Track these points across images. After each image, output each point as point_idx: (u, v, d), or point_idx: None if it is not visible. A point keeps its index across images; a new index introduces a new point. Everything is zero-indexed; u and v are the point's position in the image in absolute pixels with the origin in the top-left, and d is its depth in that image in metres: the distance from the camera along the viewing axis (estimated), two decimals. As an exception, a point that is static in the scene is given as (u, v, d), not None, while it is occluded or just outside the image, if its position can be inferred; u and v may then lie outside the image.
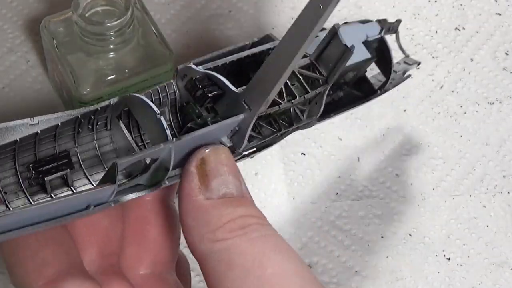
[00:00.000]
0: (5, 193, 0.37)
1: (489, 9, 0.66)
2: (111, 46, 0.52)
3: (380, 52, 0.49)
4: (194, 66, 0.40)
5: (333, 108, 0.47)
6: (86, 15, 0.51)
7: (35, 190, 0.37)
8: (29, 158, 0.37)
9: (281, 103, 0.40)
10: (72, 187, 0.38)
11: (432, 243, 0.56)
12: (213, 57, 0.41)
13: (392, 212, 0.57)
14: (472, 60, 0.64)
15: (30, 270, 0.35)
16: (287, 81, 0.40)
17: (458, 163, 0.59)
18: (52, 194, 0.37)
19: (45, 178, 0.37)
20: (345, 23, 0.49)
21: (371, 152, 0.59)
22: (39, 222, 0.33)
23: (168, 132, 0.36)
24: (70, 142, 0.38)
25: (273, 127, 0.42)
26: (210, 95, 0.39)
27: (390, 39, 0.51)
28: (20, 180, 0.37)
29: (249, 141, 0.40)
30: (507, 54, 0.64)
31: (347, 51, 0.41)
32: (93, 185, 0.39)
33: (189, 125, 0.40)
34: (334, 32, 0.41)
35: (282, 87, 0.40)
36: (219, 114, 0.39)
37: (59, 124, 0.37)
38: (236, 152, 0.39)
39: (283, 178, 0.58)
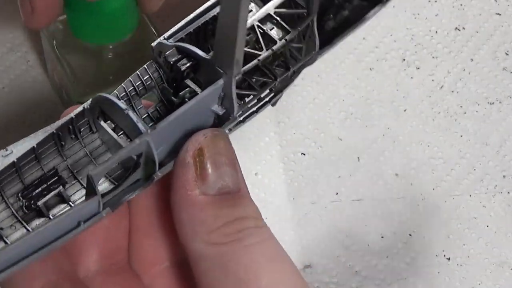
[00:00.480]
0: (1, 228, 0.35)
1: (489, 9, 0.66)
2: (111, 47, 0.52)
3: None
4: (164, 41, 0.37)
5: (340, 32, 0.44)
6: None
7: (32, 217, 0.36)
8: (16, 188, 0.36)
9: (259, 55, 0.37)
10: (70, 202, 0.36)
11: (432, 243, 0.56)
12: (184, 25, 0.38)
13: (392, 212, 0.57)
14: (472, 60, 0.64)
15: (19, 284, 0.35)
16: (263, 27, 0.38)
17: (458, 163, 0.59)
18: (51, 215, 0.36)
19: (38, 203, 0.35)
20: None
21: (371, 152, 0.59)
22: (34, 252, 0.33)
23: (140, 125, 0.34)
24: (56, 158, 0.37)
25: (268, 76, 0.39)
26: (183, 68, 0.37)
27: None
28: (14, 212, 0.35)
29: (243, 100, 0.38)
30: (507, 54, 0.64)
31: None
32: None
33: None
34: None
35: (258, 36, 0.38)
36: (202, 83, 0.37)
37: (35, 146, 0.36)
38: (231, 117, 0.37)
39: (283, 178, 0.58)
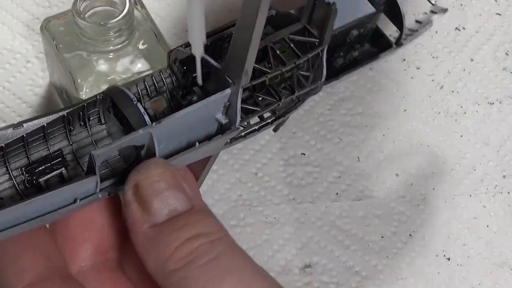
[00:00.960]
0: (1, 198, 0.36)
1: (489, 9, 0.66)
2: (111, 47, 0.52)
3: (389, 5, 0.48)
4: (181, 48, 0.39)
5: (348, 69, 0.46)
6: (86, 15, 0.51)
7: (31, 192, 0.37)
8: (21, 162, 0.37)
9: (268, 72, 0.39)
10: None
11: (432, 243, 0.56)
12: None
13: (392, 212, 0.57)
14: (472, 60, 0.64)
15: (9, 276, 0.35)
16: (276, 49, 0.40)
17: (458, 163, 0.59)
18: None
19: (39, 180, 0.36)
20: None
21: (371, 152, 0.59)
22: (29, 219, 0.33)
23: (146, 117, 0.36)
24: (63, 141, 0.38)
25: (274, 97, 0.40)
26: (194, 74, 0.38)
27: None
28: (15, 184, 0.37)
29: (246, 114, 0.39)
30: (507, 54, 0.64)
31: (330, 9, 0.40)
32: None
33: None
34: None
35: (270, 56, 0.39)
36: (210, 92, 0.38)
37: (45, 125, 0.37)
38: (233, 127, 0.38)
39: (283, 178, 0.58)
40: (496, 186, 0.59)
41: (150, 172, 0.35)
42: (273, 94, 0.40)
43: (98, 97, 0.38)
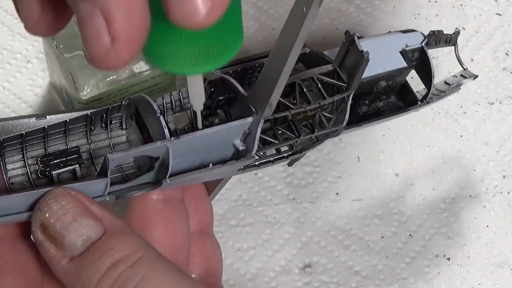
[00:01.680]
0: (12, 183, 0.37)
1: (489, 9, 0.66)
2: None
3: (421, 63, 0.49)
4: (213, 71, 0.40)
5: (370, 118, 0.47)
6: (86, 15, 0.51)
7: (42, 183, 0.37)
8: (38, 152, 0.38)
9: (292, 108, 0.40)
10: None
11: (432, 243, 0.56)
12: (236, 64, 0.41)
13: (392, 212, 0.57)
14: (472, 60, 0.64)
15: None
16: (303, 87, 0.41)
17: (458, 163, 0.59)
18: None
19: (53, 172, 0.37)
20: (389, 32, 0.48)
21: (371, 152, 0.59)
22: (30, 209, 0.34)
23: (166, 131, 0.37)
24: (82, 139, 0.39)
25: (293, 133, 0.42)
26: (220, 98, 0.39)
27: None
28: (28, 172, 0.37)
29: (264, 144, 0.40)
30: (507, 54, 0.64)
31: (362, 57, 0.41)
32: None
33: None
34: (351, 39, 0.41)
35: (296, 93, 0.41)
36: (233, 117, 0.39)
37: (67, 120, 0.38)
38: (248, 155, 0.39)
39: (283, 178, 0.58)
40: (496, 186, 0.59)
41: (53, 209, 0.34)
42: (293, 130, 0.42)
43: (123, 103, 0.39)
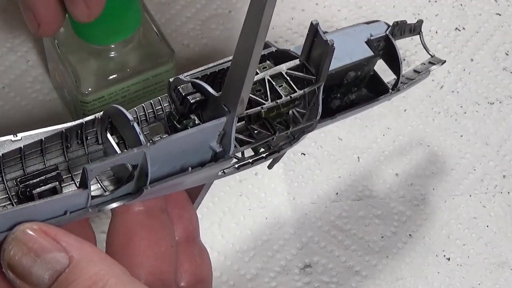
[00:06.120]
0: None
1: (489, 9, 0.66)
2: (112, 46, 0.52)
3: (387, 51, 0.49)
4: (182, 77, 0.40)
5: (343, 110, 0.47)
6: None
7: (24, 203, 0.37)
8: (16, 174, 0.37)
9: (264, 103, 0.40)
10: None
11: (432, 243, 0.56)
12: (205, 69, 0.41)
13: (392, 212, 0.57)
14: (472, 60, 0.64)
15: None
16: (273, 82, 0.41)
17: (458, 163, 0.60)
18: None
19: (33, 191, 0.36)
20: (352, 25, 0.49)
21: (371, 152, 0.59)
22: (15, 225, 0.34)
23: (141, 137, 0.36)
24: (59, 157, 0.39)
25: (268, 130, 0.42)
26: (192, 101, 0.39)
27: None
28: (9, 194, 0.37)
29: (241, 145, 0.41)
30: (507, 54, 0.64)
31: (327, 46, 0.40)
32: None
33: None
34: (314, 30, 0.41)
35: (266, 88, 0.40)
36: (207, 120, 0.39)
37: (43, 139, 0.37)
38: (226, 156, 0.39)
39: (283, 178, 0.58)
40: (496, 186, 0.59)
41: (15, 249, 0.34)
42: (268, 128, 0.42)
43: (96, 117, 0.39)
